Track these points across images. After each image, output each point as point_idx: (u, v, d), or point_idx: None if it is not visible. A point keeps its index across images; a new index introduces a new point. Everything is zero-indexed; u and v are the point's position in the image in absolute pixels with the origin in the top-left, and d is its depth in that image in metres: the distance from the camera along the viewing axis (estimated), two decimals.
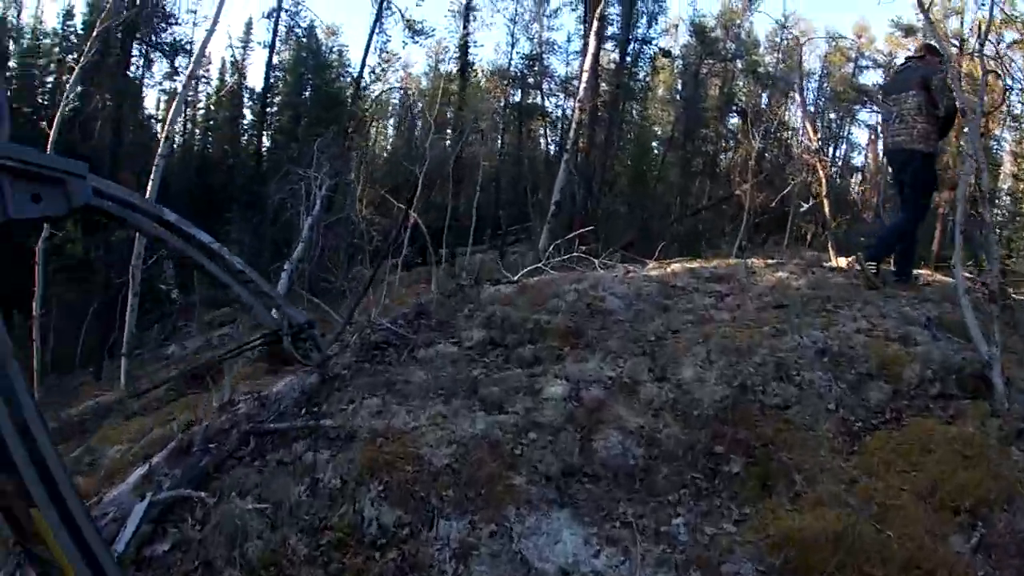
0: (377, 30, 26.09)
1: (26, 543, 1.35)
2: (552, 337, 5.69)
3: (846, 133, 31.76)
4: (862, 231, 15.25)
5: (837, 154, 30.80)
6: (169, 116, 11.76)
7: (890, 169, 8.20)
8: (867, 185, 21.74)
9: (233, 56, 34.20)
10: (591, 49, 14.26)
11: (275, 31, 29.02)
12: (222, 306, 21.20)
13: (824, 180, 10.80)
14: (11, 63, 27.80)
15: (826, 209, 10.72)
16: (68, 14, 29.37)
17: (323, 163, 14.45)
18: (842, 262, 10.53)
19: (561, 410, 4.42)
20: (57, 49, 28.95)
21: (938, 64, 7.24)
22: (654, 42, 26.60)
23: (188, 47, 27.34)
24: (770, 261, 10.08)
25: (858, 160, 31.57)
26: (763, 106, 23.09)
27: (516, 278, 9.04)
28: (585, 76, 14.08)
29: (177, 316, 18.23)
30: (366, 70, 26.41)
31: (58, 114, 12.99)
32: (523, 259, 15.64)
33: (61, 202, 1.57)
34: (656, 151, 28.76)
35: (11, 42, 29.14)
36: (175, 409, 6.92)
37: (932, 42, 8.56)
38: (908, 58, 7.81)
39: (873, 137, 30.78)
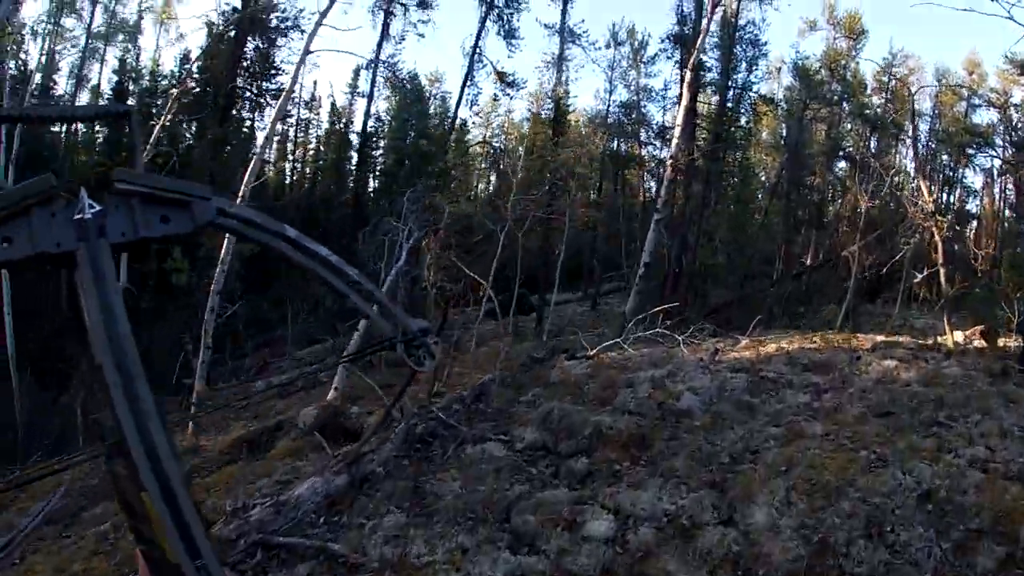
0: (469, 82, 26.17)
1: (135, 523, 1.49)
2: (611, 447, 5.03)
3: (960, 176, 29.65)
4: (978, 284, 13.74)
5: (951, 199, 28.84)
6: (251, 166, 11.75)
7: None
8: (984, 245, 19.96)
9: (333, 102, 35.21)
10: (684, 102, 13.41)
11: (373, 82, 29.62)
12: (314, 343, 21.32)
13: (941, 245, 9.75)
14: (130, 101, 29.30)
15: (942, 279, 9.68)
16: (185, 58, 30.92)
17: (409, 215, 14.24)
18: (959, 337, 9.46)
19: (600, 556, 3.78)
20: (174, 91, 30.33)
21: None
22: (755, 87, 25.51)
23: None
24: (879, 340, 9.11)
25: (973, 206, 29.52)
26: (872, 152, 21.76)
27: (593, 352, 8.45)
28: (677, 131, 13.25)
29: (252, 369, 18.30)
30: (458, 122, 26.56)
31: (147, 147, 13.35)
32: (612, 315, 14.96)
33: (187, 222, 1.78)
34: (760, 199, 27.44)
35: (131, 83, 30.78)
36: (213, 484, 6.62)
37: None
38: None
39: (988, 181, 28.62)
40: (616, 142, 28.98)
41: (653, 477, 4.51)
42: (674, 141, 13.32)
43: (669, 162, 13.29)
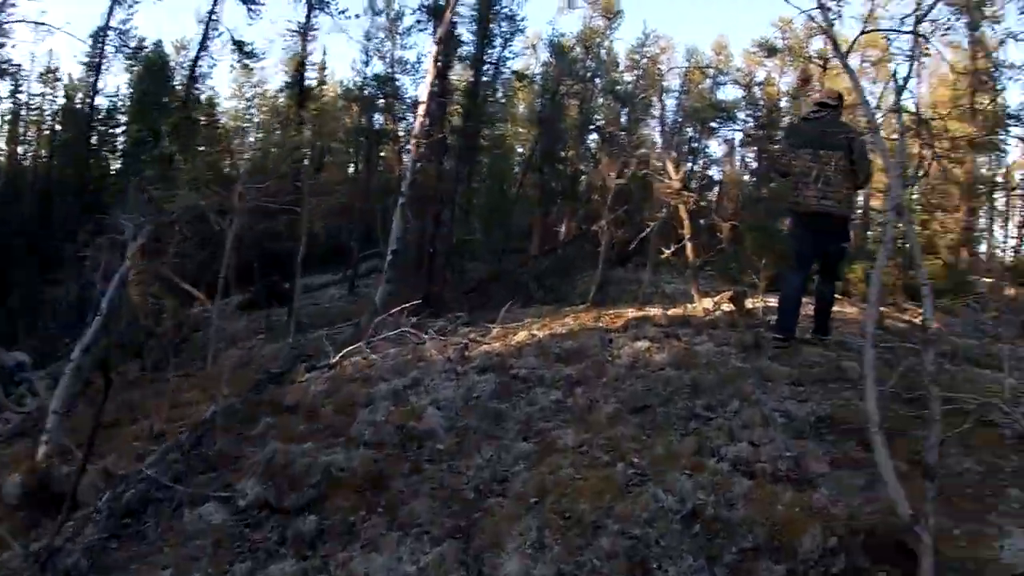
0: (203, 52, 24.16)
1: None
2: (345, 494, 4.23)
3: (703, 147, 32.51)
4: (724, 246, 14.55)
5: (694, 167, 31.50)
6: None
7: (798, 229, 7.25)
8: (726, 208, 21.72)
9: (68, 75, 31.96)
10: (429, 77, 12.68)
11: (101, 51, 26.59)
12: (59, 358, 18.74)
13: (687, 221, 10.00)
14: None
15: (689, 253, 10.01)
16: None
17: (135, 209, 12.31)
18: (707, 303, 9.83)
19: None
20: None
21: (849, 113, 6.69)
22: (510, 63, 25.74)
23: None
24: (630, 315, 9.17)
25: (715, 172, 32.63)
26: (622, 127, 22.73)
27: (335, 360, 7.64)
28: (422, 108, 12.47)
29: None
30: (204, 97, 24.54)
31: None
32: (370, 301, 14.13)
33: None
34: (516, 172, 27.95)
35: None
36: None
37: (838, 89, 7.81)
38: (820, 104, 6.92)
39: (730, 150, 31.91)
40: (369, 116, 28.15)
41: (391, 530, 3.80)
42: (418, 120, 12.57)
43: (413, 141, 12.55)
